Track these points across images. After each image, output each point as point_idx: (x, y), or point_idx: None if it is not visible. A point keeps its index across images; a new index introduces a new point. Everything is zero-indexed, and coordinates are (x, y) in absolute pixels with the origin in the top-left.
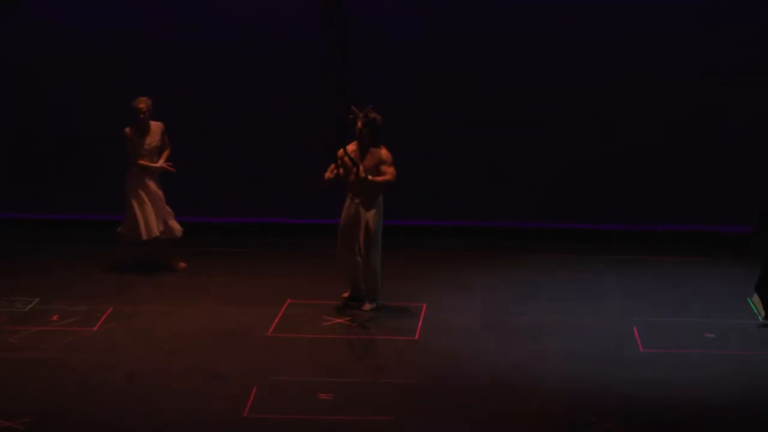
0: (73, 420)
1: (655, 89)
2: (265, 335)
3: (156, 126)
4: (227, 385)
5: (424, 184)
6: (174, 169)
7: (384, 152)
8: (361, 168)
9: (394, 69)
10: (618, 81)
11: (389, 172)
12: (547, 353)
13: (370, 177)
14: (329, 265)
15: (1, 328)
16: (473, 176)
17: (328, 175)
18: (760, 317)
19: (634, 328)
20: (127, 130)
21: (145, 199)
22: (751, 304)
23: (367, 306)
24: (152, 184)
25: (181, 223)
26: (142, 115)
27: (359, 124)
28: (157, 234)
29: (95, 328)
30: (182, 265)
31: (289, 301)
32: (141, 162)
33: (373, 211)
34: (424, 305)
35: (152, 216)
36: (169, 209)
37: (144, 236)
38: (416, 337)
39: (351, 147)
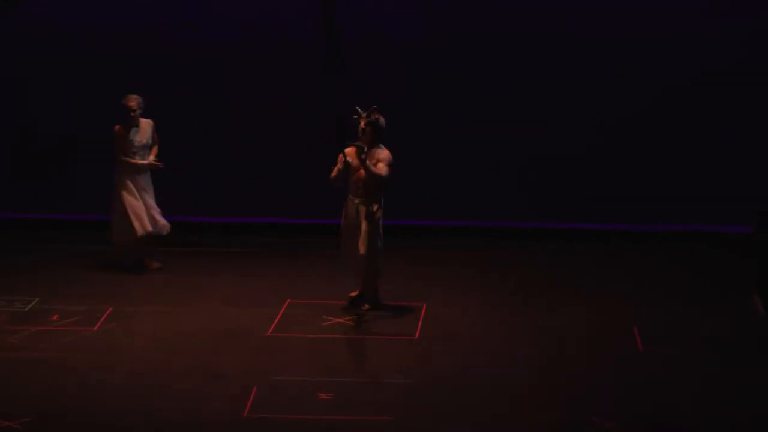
0: (73, 420)
1: (655, 89)
2: (265, 335)
3: (146, 123)
4: (227, 385)
5: (424, 184)
6: (161, 164)
7: (385, 152)
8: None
9: (394, 69)
10: (618, 81)
11: (381, 169)
12: (547, 353)
13: (367, 162)
14: (329, 265)
15: (1, 328)
16: (473, 176)
17: (333, 174)
18: (760, 317)
19: (634, 328)
20: (117, 127)
21: (136, 195)
22: (751, 304)
23: (367, 306)
24: (142, 181)
25: (181, 223)
26: (132, 114)
27: (362, 124)
28: (150, 229)
29: (95, 328)
30: (156, 265)
31: (289, 301)
32: (133, 161)
33: (371, 212)
34: (424, 305)
35: (143, 212)
36: (156, 206)
37: (140, 232)
38: (416, 337)
39: (350, 150)
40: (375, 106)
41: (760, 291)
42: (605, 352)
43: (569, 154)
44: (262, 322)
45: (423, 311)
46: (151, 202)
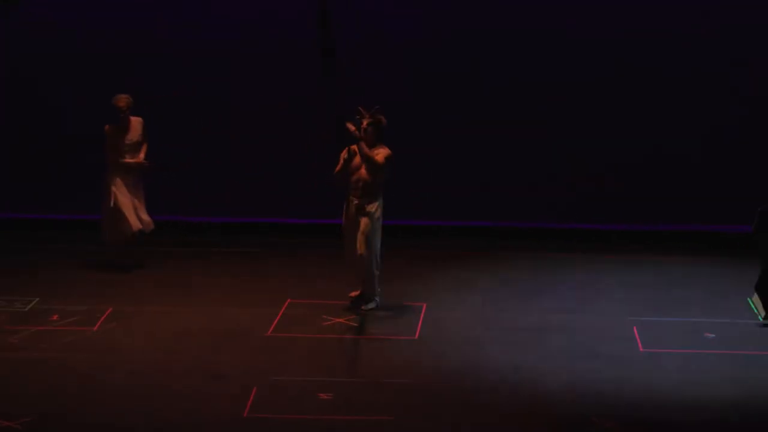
0: (73, 420)
1: (655, 89)
2: (265, 335)
3: (136, 121)
4: (227, 385)
5: (424, 184)
6: (148, 163)
7: (384, 149)
8: (365, 122)
9: (394, 69)
10: (618, 81)
11: (378, 155)
12: (547, 353)
13: (364, 147)
14: (329, 265)
15: (1, 328)
16: (473, 176)
17: (338, 168)
18: (760, 317)
19: (634, 328)
20: (107, 127)
21: (126, 192)
22: (751, 304)
23: (367, 306)
24: (132, 180)
25: (181, 223)
26: (122, 114)
27: (364, 123)
28: (141, 226)
29: (95, 328)
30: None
31: (289, 301)
32: (125, 161)
33: (370, 212)
34: (424, 305)
35: (132, 209)
36: (142, 205)
37: (134, 228)
38: (416, 336)
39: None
40: (378, 106)
41: (760, 291)
42: (605, 352)
43: (569, 154)
44: (262, 322)
45: (423, 311)
46: (138, 200)
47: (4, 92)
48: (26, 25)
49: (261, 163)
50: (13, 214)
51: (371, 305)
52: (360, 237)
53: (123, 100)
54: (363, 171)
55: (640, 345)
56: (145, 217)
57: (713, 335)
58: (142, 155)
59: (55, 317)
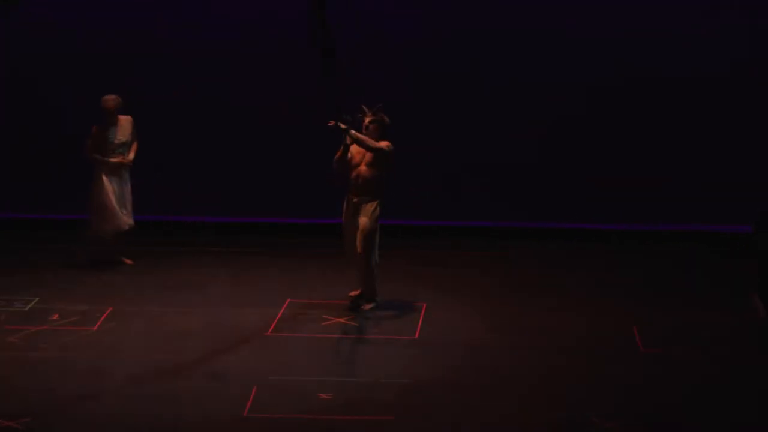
0: (73, 420)
1: (655, 89)
2: (265, 335)
3: (125, 120)
4: (227, 385)
5: (424, 184)
6: (129, 161)
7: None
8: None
9: (394, 69)
10: (618, 81)
11: (378, 143)
12: (547, 353)
13: (355, 133)
14: (329, 265)
15: (1, 327)
16: (473, 176)
17: (338, 155)
18: (760, 317)
19: (634, 328)
20: (95, 128)
21: (115, 190)
22: (751, 304)
23: (366, 306)
24: (118, 178)
25: (180, 223)
26: (110, 115)
27: (366, 121)
28: (125, 227)
29: (95, 328)
30: (129, 261)
31: (289, 300)
32: (113, 160)
33: (369, 210)
34: (424, 305)
35: (117, 209)
36: (126, 203)
37: (125, 226)
38: (416, 336)
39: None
40: (380, 105)
41: (760, 291)
42: (605, 352)
43: (569, 153)
44: (262, 322)
45: (423, 311)
46: (123, 199)
47: (4, 92)
48: (26, 25)
49: (261, 162)
50: (13, 214)
51: (371, 305)
52: (359, 236)
53: (111, 101)
54: (363, 167)
55: (640, 345)
56: (128, 218)
57: (712, 335)
58: (132, 154)
59: (55, 317)
